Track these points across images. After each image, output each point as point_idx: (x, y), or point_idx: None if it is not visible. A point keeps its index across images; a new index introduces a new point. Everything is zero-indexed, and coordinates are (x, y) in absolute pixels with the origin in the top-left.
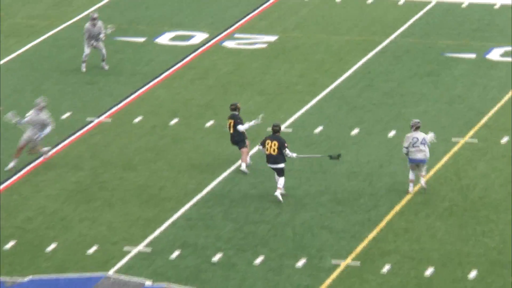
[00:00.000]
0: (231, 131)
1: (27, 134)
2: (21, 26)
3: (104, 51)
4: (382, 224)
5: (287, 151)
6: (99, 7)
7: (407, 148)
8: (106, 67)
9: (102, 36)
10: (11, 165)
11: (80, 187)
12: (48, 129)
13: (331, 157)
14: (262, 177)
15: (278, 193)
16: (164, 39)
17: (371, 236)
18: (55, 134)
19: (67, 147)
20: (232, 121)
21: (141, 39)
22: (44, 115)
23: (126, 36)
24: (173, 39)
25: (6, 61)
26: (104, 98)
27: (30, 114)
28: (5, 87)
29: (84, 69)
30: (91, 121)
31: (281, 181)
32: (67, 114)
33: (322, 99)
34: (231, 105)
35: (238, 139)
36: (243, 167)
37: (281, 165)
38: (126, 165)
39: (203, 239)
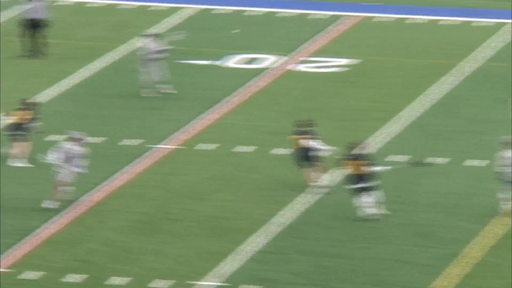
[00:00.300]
0: (302, 146)
1: (61, 171)
2: (82, 49)
3: (157, 75)
4: (468, 258)
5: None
6: (162, 30)
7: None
8: (166, 90)
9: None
10: (49, 204)
11: (146, 218)
12: (80, 164)
13: (414, 165)
14: (337, 208)
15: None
16: (233, 62)
17: (455, 271)
18: (119, 162)
19: (133, 176)
20: (307, 136)
21: (209, 62)
22: (80, 149)
23: (193, 59)
24: (243, 62)
25: (67, 85)
26: (170, 124)
27: (64, 147)
28: (65, 112)
29: (146, 94)
30: (157, 149)
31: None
32: (131, 141)
33: (399, 126)
34: (307, 121)
35: (312, 155)
36: (321, 183)
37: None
38: (194, 195)
39: (275, 273)
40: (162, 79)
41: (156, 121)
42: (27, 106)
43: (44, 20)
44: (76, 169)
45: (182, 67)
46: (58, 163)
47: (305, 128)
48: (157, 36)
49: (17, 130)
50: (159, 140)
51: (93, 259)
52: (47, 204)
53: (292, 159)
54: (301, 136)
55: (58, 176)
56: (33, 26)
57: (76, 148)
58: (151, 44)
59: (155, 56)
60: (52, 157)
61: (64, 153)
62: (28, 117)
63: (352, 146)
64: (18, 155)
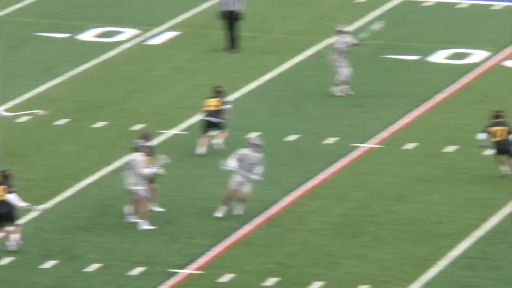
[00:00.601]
0: (501, 138)
1: (238, 178)
2: (280, 43)
3: (345, 72)
4: None
5: None
6: (365, 23)
7: None
8: (338, 93)
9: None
10: (220, 213)
11: (347, 220)
12: (257, 171)
13: None
14: None
15: None
16: (439, 57)
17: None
18: (318, 161)
19: (333, 176)
20: (504, 128)
21: (413, 57)
22: (258, 156)
23: (397, 54)
24: (449, 57)
25: (265, 80)
26: (372, 122)
27: (243, 153)
28: (262, 109)
29: (343, 93)
30: (358, 148)
31: None
32: (332, 140)
33: None
34: (497, 111)
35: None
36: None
37: None
38: (397, 197)
39: (484, 280)
40: (346, 79)
41: (359, 119)
42: (219, 93)
43: (239, 12)
44: (254, 177)
45: (386, 62)
46: (236, 170)
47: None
48: (347, 31)
49: (214, 117)
50: (362, 139)
51: (291, 263)
52: (219, 212)
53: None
54: (501, 128)
55: (235, 183)
56: (229, 18)
57: (254, 155)
58: (346, 39)
59: (346, 49)
60: (231, 164)
61: (242, 159)
62: (220, 104)
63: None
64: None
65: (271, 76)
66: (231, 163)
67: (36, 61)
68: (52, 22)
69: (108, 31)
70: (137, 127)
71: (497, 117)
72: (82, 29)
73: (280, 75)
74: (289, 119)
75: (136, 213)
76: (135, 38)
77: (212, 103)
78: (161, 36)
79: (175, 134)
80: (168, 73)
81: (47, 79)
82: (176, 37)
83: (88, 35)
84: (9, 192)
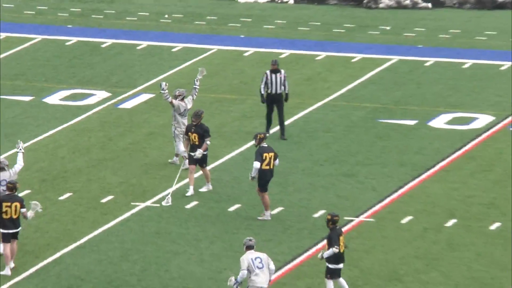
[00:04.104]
0: None
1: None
2: None
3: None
4: None
5: None
6: (358, 83)
7: None
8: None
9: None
10: None
11: None
12: None
13: None
14: None
15: None
16: (439, 122)
17: None
18: (304, 236)
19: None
20: None
21: (411, 122)
22: None
23: (393, 119)
24: (450, 122)
25: (246, 147)
26: (365, 193)
27: None
28: (243, 179)
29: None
30: (349, 221)
31: None
32: (320, 213)
33: None
34: None
35: None
36: None
37: None
38: (392, 276)
39: None
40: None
41: (351, 189)
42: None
43: (285, 94)
44: None
45: (382, 127)
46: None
47: None
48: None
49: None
50: (354, 212)
51: None
52: None
53: None
54: None
55: None
56: (273, 101)
57: None
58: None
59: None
60: None
61: None
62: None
63: None
64: None
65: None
66: None
67: None
68: (15, 83)
69: (76, 93)
70: (107, 199)
71: None
72: (48, 92)
73: None
74: (272, 190)
75: None
76: (106, 101)
77: (193, 137)
78: (135, 99)
79: (147, 207)
80: (141, 140)
81: (8, 146)
82: (150, 100)
83: (55, 98)
84: (22, 207)
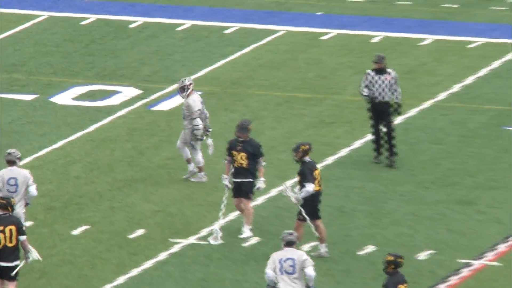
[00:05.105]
0: None
1: None
2: None
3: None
4: None
5: None
6: (477, 77)
7: None
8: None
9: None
10: None
11: None
12: None
13: None
14: None
15: None
16: None
17: None
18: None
19: None
20: None
21: None
22: None
23: None
24: None
25: None
26: (488, 226)
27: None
28: None
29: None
30: (465, 265)
31: None
32: (426, 253)
33: None
34: None
35: None
36: None
37: None
38: None
39: None
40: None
41: None
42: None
43: (396, 103)
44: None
45: None
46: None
47: None
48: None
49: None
50: None
51: None
52: None
53: None
54: None
55: None
56: (379, 112)
57: None
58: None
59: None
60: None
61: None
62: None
63: None
64: None
65: None
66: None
67: None
68: (13, 77)
69: (95, 90)
70: (136, 233)
71: None
72: (57, 88)
73: None
74: (361, 222)
75: None
76: (135, 101)
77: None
78: (173, 99)
79: (191, 244)
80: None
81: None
82: None
83: (66, 97)
84: (21, 233)
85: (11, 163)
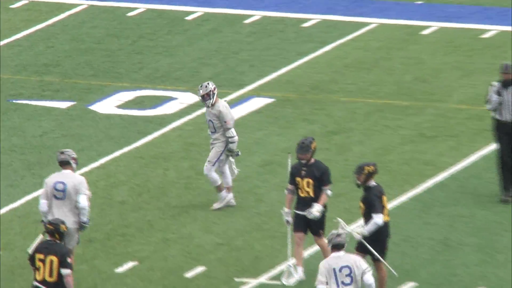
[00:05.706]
0: None
1: None
2: None
3: None
4: None
5: None
6: None
7: None
8: None
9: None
10: None
11: None
12: None
13: None
14: None
15: None
16: None
17: None
18: None
19: None
20: None
21: None
22: None
23: None
24: None
25: None
26: None
27: None
28: None
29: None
30: None
31: None
32: None
33: None
34: None
35: None
36: None
37: None
38: None
39: None
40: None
41: None
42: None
43: None
44: None
45: None
46: None
47: None
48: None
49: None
50: None
51: None
52: None
53: None
54: None
55: None
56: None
57: None
58: None
59: None
60: None
61: None
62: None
63: None
64: None
65: None
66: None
67: None
68: (44, 80)
69: (144, 96)
70: (194, 271)
71: None
72: (98, 94)
73: None
74: (468, 259)
75: None
76: (194, 110)
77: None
78: (241, 106)
79: (261, 285)
80: (251, 174)
81: (34, 182)
82: (267, 108)
83: (109, 104)
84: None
85: (64, 164)
